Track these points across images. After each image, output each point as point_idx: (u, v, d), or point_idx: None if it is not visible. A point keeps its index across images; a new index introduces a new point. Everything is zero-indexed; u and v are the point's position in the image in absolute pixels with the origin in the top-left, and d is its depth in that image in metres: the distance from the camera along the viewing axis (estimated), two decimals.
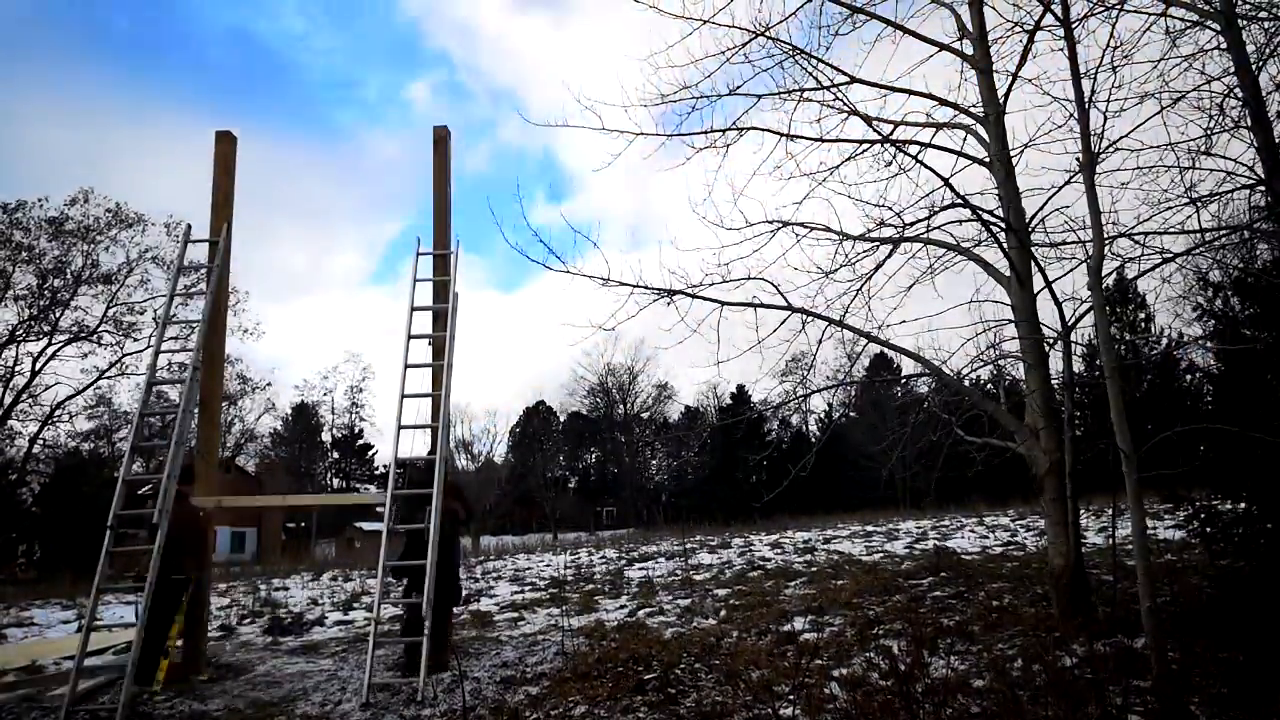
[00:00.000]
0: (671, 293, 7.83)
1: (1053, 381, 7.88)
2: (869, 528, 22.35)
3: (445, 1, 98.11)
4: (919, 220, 8.31)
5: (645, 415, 68.55)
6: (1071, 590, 7.15)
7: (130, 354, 32.65)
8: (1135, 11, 7.57)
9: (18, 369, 31.32)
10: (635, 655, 6.85)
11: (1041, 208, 8.24)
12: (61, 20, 78.35)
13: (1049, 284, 6.99)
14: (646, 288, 7.81)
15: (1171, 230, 7.48)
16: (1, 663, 8.67)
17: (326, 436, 62.12)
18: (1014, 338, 8.04)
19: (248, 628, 11.25)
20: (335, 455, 66.29)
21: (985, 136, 8.17)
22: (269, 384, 48.33)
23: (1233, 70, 6.99)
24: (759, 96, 8.21)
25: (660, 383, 68.05)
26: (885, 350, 8.90)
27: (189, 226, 9.13)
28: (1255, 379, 6.92)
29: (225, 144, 9.19)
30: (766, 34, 7.91)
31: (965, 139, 8.45)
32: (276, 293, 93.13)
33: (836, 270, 8.46)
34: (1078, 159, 6.65)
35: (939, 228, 8.40)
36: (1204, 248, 7.52)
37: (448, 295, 8.81)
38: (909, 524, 22.43)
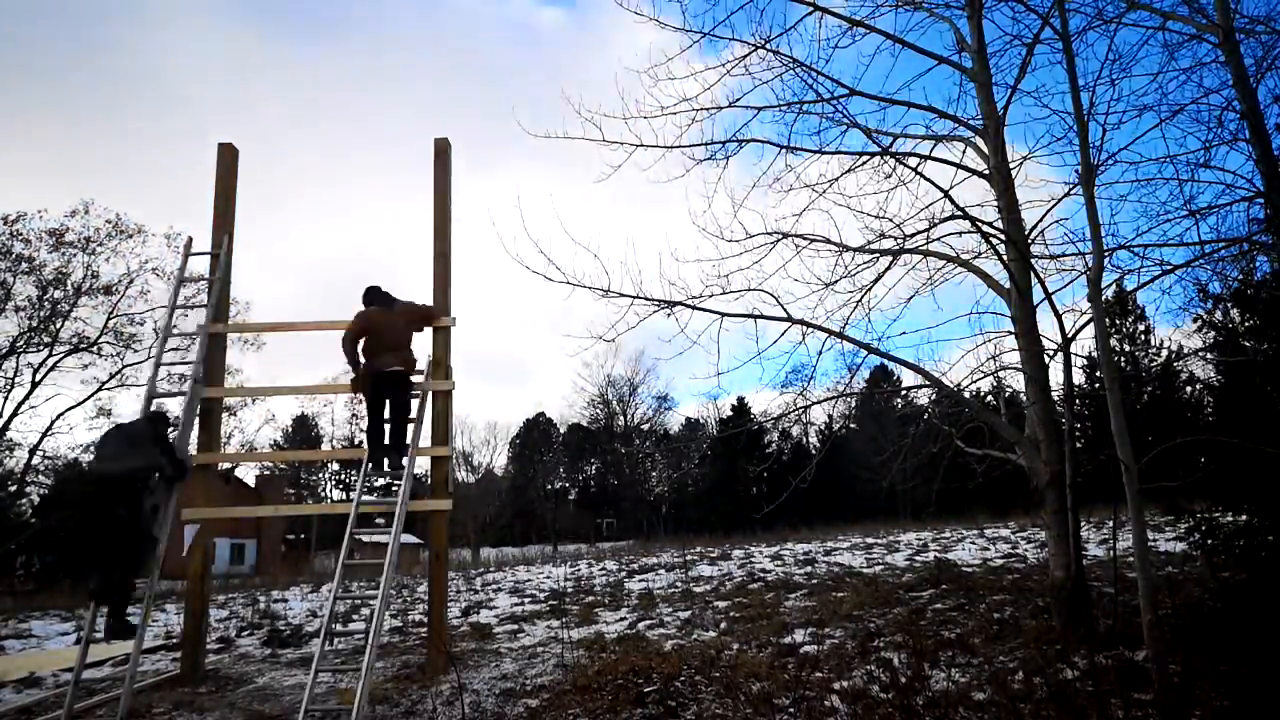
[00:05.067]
0: (671, 304, 7.85)
1: (1053, 393, 7.89)
2: (869, 540, 22.28)
3: None
4: (919, 232, 8.35)
5: (645, 427, 68.48)
6: (1072, 602, 7.13)
7: (131, 365, 32.62)
8: (1134, 25, 7.63)
9: (18, 380, 31.31)
10: (635, 668, 6.82)
11: (1041, 220, 8.28)
12: None
13: (1049, 296, 7.01)
14: (647, 299, 7.83)
15: (1171, 243, 7.52)
16: (0, 674, 8.64)
17: (327, 448, 61.81)
18: (1014, 349, 8.06)
19: (246, 640, 11.21)
20: (335, 466, 66.19)
21: (985, 149, 8.21)
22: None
23: (1231, 83, 7.04)
24: (759, 109, 8.26)
25: (660, 394, 68.07)
26: (886, 362, 8.91)
27: (190, 239, 9.15)
28: (1255, 391, 6.92)
29: (226, 156, 9.22)
30: (766, 46, 7.96)
31: (965, 151, 8.49)
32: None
33: (837, 282, 8.49)
34: (1077, 171, 6.69)
35: (939, 240, 8.43)
36: (1203, 260, 7.55)
37: (448, 306, 8.82)
38: (909, 536, 22.37)
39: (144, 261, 32.08)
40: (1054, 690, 5.44)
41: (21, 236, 30.42)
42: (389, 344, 7.96)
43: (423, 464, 8.69)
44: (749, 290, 8.04)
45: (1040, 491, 7.62)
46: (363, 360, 7.96)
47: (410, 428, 7.96)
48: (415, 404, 8.08)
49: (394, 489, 7.82)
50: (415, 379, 8.18)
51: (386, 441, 7.99)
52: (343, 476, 66.07)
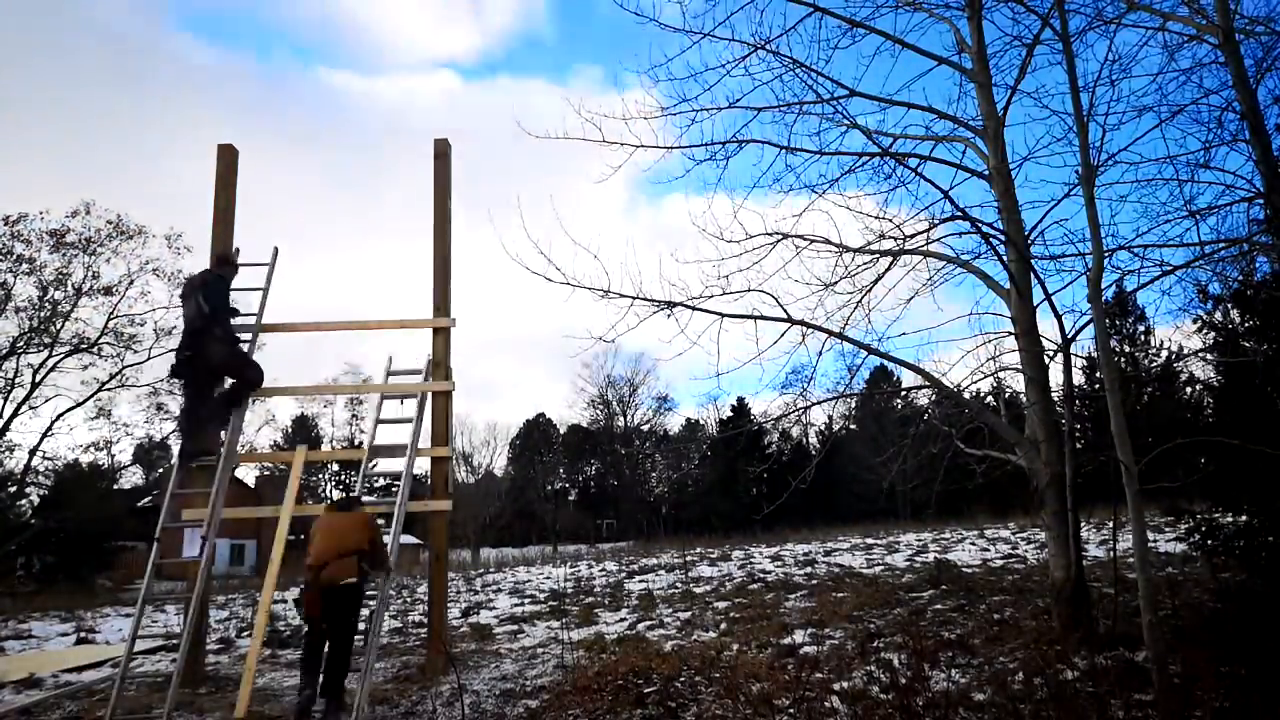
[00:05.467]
0: (671, 305, 7.84)
1: (1053, 394, 7.89)
2: (869, 540, 22.31)
3: None
4: (919, 233, 8.35)
5: (645, 427, 68.45)
6: (1073, 603, 7.13)
7: (131, 366, 32.59)
8: (1133, 26, 7.64)
9: (18, 381, 31.26)
10: (635, 668, 6.83)
11: (1041, 220, 8.27)
12: None
13: (1049, 296, 7.01)
14: (647, 299, 7.82)
15: (1171, 243, 7.53)
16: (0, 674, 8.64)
17: (327, 448, 61.84)
18: (1014, 350, 8.06)
19: (247, 640, 11.20)
20: (335, 467, 66.24)
21: (985, 149, 8.21)
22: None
23: (1231, 84, 7.05)
24: (759, 109, 8.26)
25: (660, 395, 68.00)
26: (886, 362, 8.91)
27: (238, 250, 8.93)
28: (1255, 391, 6.92)
29: (227, 156, 9.20)
30: (766, 47, 7.96)
31: (965, 152, 8.49)
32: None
33: (837, 283, 8.49)
34: (1077, 172, 6.70)
35: (939, 240, 8.43)
36: (1203, 260, 7.55)
37: (448, 308, 8.81)
38: (909, 536, 22.40)
39: (145, 262, 32.00)
40: (1054, 691, 5.43)
41: (22, 237, 30.35)
42: (339, 548, 6.48)
43: (422, 465, 8.70)
44: (749, 291, 8.04)
45: (1040, 492, 7.61)
46: (309, 568, 6.47)
47: (354, 643, 6.52)
48: (361, 625, 6.73)
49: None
50: (368, 588, 6.81)
51: (323, 666, 6.32)
52: (343, 477, 66.08)
